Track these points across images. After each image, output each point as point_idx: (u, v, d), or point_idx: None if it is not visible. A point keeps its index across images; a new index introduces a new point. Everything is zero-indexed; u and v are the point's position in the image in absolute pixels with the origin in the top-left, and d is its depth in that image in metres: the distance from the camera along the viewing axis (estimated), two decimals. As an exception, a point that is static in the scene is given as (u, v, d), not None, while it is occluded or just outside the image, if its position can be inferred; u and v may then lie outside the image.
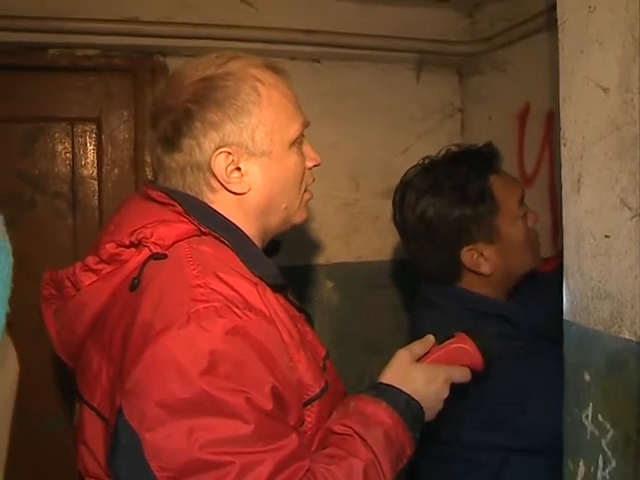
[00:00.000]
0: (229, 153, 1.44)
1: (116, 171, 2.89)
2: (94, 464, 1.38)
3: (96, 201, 2.89)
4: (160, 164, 1.51)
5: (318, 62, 3.09)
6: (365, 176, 3.19)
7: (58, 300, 1.48)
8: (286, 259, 2.94)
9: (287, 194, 1.53)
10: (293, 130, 1.51)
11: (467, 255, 1.93)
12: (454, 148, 2.06)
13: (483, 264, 1.93)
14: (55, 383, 2.63)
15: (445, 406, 1.54)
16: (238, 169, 1.46)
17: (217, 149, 1.43)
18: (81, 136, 2.88)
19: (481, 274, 1.94)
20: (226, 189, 1.47)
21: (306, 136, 1.58)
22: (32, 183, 2.81)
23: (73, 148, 2.87)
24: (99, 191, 2.89)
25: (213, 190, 1.48)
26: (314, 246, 3.11)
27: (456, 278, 2.00)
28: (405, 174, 2.09)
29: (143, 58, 2.83)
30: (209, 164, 1.44)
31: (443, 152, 2.06)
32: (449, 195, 1.91)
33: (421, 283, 2.14)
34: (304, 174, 1.56)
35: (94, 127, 2.89)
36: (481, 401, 1.77)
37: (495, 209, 1.92)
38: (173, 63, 2.75)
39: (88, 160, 2.89)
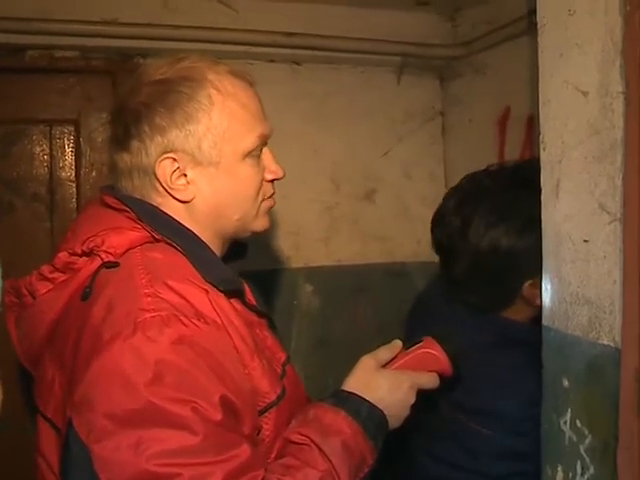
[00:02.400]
0: (174, 160, 1.40)
1: (94, 173, 2.88)
2: (51, 476, 1.35)
3: (74, 203, 2.87)
4: (113, 163, 1.50)
5: (299, 65, 3.09)
6: (346, 179, 3.19)
7: (19, 308, 1.46)
8: (265, 262, 2.96)
9: (238, 206, 1.48)
10: (248, 141, 1.45)
11: (529, 288, 1.79)
12: (505, 167, 1.92)
13: (538, 296, 1.82)
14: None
15: (413, 413, 1.51)
16: (185, 175, 1.42)
17: (162, 154, 1.40)
18: (59, 138, 2.87)
19: (533, 306, 1.79)
20: (171, 195, 1.44)
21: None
22: (10, 186, 2.79)
23: (51, 150, 2.86)
24: (77, 193, 2.88)
25: (160, 194, 1.44)
26: (293, 249, 3.11)
27: (504, 308, 1.88)
28: (459, 195, 1.91)
29: (122, 60, 2.82)
30: (154, 168, 1.41)
31: (493, 170, 1.91)
32: (523, 224, 1.76)
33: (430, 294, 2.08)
34: (260, 186, 1.50)
35: (72, 129, 2.88)
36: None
37: None
38: (152, 65, 2.74)
39: (66, 162, 2.87)
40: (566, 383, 1.27)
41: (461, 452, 1.82)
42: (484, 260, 1.81)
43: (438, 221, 1.96)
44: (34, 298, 1.41)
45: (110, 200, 1.44)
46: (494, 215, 1.80)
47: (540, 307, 1.75)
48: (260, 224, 1.55)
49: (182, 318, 1.23)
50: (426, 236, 3.23)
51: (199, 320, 1.25)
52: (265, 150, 1.52)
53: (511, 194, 1.81)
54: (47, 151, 2.85)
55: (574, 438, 1.25)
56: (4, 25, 2.53)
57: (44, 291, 1.39)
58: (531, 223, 1.75)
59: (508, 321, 1.87)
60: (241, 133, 1.44)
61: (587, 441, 1.22)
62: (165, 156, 1.40)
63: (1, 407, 0.78)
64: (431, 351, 1.55)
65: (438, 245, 1.97)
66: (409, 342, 1.60)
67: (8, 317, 1.48)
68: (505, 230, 1.78)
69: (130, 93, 1.45)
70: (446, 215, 1.92)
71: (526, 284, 1.79)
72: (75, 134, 2.88)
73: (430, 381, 1.53)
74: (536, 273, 1.77)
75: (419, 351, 1.56)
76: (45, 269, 1.39)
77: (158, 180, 1.42)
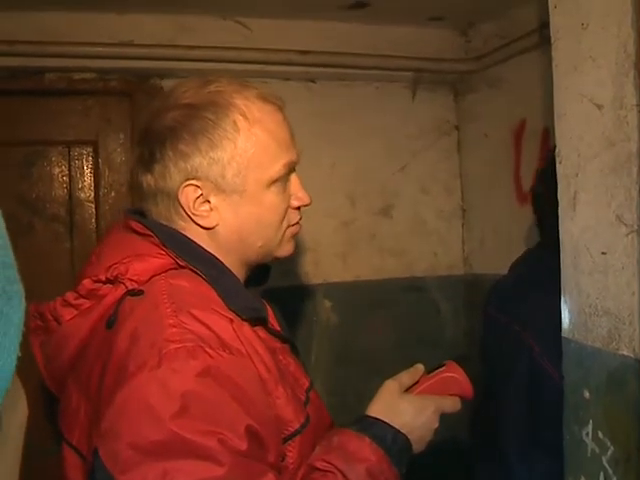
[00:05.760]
0: (197, 187, 1.39)
1: (113, 194, 2.90)
2: None
3: (94, 224, 2.90)
4: (138, 184, 1.48)
5: (313, 82, 3.11)
6: (362, 195, 3.20)
7: (44, 332, 1.45)
8: (283, 279, 2.97)
9: (261, 233, 1.47)
10: (274, 170, 1.43)
11: None
12: None
13: None
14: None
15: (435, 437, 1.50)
16: (208, 202, 1.41)
17: (185, 181, 1.39)
18: (78, 159, 2.90)
19: None
20: (193, 221, 1.43)
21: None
22: (30, 207, 2.82)
23: (70, 171, 2.88)
24: (96, 214, 2.90)
25: (183, 219, 1.43)
26: (312, 265, 3.12)
27: None
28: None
29: (140, 81, 2.85)
30: (177, 194, 1.40)
31: None
32: None
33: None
34: (285, 213, 1.49)
35: (91, 150, 2.91)
36: None
37: None
38: (170, 85, 2.74)
39: (85, 183, 2.90)
40: (587, 394, 1.28)
41: None
42: None
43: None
44: (59, 324, 1.40)
45: (135, 225, 1.44)
46: None
47: None
48: (284, 250, 1.54)
49: (207, 349, 1.22)
50: (443, 249, 3.27)
51: (224, 350, 1.25)
52: (292, 176, 1.50)
53: None
54: (66, 172, 2.88)
55: (596, 449, 1.25)
56: (23, 49, 2.57)
57: (69, 317, 1.39)
58: None
59: None
60: (266, 161, 1.42)
61: (609, 452, 1.22)
62: (188, 183, 1.39)
63: (26, 421, 0.80)
64: (454, 375, 1.55)
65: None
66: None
67: (33, 341, 1.47)
68: None
69: (156, 115, 1.44)
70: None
71: None
72: (94, 155, 2.90)
73: (453, 405, 1.52)
74: None
75: (442, 375, 1.55)
76: (70, 296, 1.38)
77: (181, 205, 1.41)
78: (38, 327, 1.45)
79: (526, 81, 2.76)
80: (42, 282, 2.43)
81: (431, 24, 3.12)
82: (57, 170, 2.87)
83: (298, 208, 1.53)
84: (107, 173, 2.90)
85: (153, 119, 1.44)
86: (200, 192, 1.40)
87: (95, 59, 2.70)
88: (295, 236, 1.56)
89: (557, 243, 1.96)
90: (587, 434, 1.27)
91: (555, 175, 1.85)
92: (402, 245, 3.25)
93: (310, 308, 3.09)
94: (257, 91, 1.45)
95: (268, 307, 1.51)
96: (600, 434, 1.24)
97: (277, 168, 1.43)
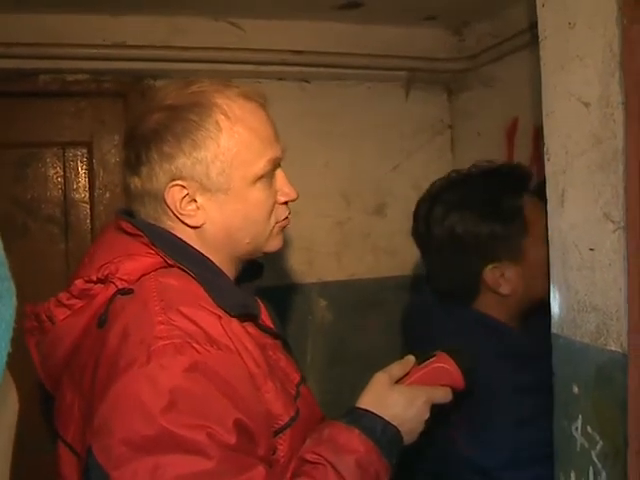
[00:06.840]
0: (183, 187, 1.42)
1: (108, 195, 2.91)
2: None
3: (88, 225, 2.91)
4: (126, 185, 1.52)
5: (307, 82, 3.11)
6: (356, 194, 3.21)
7: (40, 332, 1.47)
8: (278, 278, 2.98)
9: (249, 230, 1.50)
10: (258, 167, 1.45)
11: (490, 273, 1.85)
12: (485, 163, 1.99)
13: (503, 284, 1.85)
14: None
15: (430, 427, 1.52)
16: (195, 201, 1.44)
17: (171, 181, 1.41)
18: (72, 160, 2.90)
19: (499, 294, 1.87)
20: (181, 221, 1.46)
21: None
22: (24, 208, 2.82)
23: (65, 172, 2.89)
24: (91, 215, 2.91)
25: (170, 219, 1.46)
26: (306, 265, 3.13)
27: (473, 297, 1.92)
28: (432, 186, 2.03)
29: (133, 82, 2.85)
30: (163, 195, 1.43)
31: (472, 167, 1.99)
32: (480, 210, 1.85)
33: (423, 303, 2.10)
34: (272, 209, 1.52)
35: (85, 151, 2.92)
36: None
37: (525, 229, 1.85)
38: (163, 86, 2.77)
39: (80, 184, 2.91)
40: (576, 390, 1.29)
41: None
42: (445, 242, 1.89)
43: (414, 215, 2.06)
44: (53, 324, 1.43)
45: (125, 225, 1.46)
46: (456, 198, 1.90)
47: (511, 298, 1.83)
48: (272, 245, 1.56)
49: (195, 345, 1.25)
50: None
51: (212, 346, 1.27)
52: (278, 172, 1.53)
53: (481, 181, 1.90)
54: (61, 173, 2.89)
55: (586, 444, 1.26)
56: (17, 51, 2.57)
57: (62, 317, 1.41)
58: (493, 208, 1.83)
59: (492, 320, 1.89)
60: (250, 159, 1.44)
61: (598, 447, 1.23)
62: (173, 183, 1.41)
63: (17, 417, 0.81)
64: (444, 365, 1.56)
65: (414, 232, 2.07)
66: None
67: (29, 341, 1.50)
68: (463, 213, 1.86)
69: (140, 119, 1.47)
70: (422, 202, 2.03)
71: (487, 268, 1.85)
72: (88, 156, 2.91)
73: (444, 396, 1.53)
74: (496, 258, 1.83)
75: (432, 366, 1.57)
76: (62, 296, 1.41)
77: (168, 206, 1.44)
78: (34, 327, 1.48)
79: (519, 80, 2.76)
80: (37, 283, 2.44)
81: (424, 24, 3.12)
82: (52, 171, 2.88)
83: (286, 203, 1.55)
84: (102, 174, 2.91)
85: (137, 122, 1.48)
86: (186, 192, 1.42)
87: (89, 60, 2.70)
88: (283, 229, 1.58)
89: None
90: (576, 429, 1.29)
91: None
92: (396, 244, 3.25)
93: (305, 307, 3.10)
94: (239, 90, 1.48)
95: (261, 304, 1.53)
96: (589, 429, 1.25)
97: (261, 165, 1.46)
